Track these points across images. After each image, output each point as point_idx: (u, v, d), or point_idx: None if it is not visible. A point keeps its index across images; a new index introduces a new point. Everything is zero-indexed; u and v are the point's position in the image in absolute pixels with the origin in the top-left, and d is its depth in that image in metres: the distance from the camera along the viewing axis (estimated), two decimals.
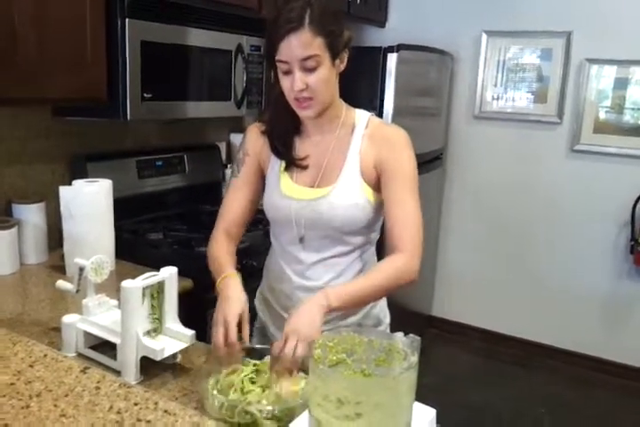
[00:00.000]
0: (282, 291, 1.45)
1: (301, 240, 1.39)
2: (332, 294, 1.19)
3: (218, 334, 1.18)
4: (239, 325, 1.21)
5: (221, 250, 1.40)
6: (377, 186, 1.34)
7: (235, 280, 1.30)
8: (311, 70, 1.23)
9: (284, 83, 1.27)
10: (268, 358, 1.17)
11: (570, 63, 3.01)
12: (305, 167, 1.37)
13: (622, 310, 3.12)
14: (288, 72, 1.24)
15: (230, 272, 1.32)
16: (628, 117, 2.95)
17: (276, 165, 1.41)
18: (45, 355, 1.08)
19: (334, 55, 1.26)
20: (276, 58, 1.24)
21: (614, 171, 3.00)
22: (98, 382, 0.99)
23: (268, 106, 1.45)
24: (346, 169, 1.34)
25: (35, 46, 1.59)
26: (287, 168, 1.39)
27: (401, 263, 1.28)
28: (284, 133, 1.39)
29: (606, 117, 2.99)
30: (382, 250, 1.43)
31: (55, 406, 0.92)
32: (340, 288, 1.24)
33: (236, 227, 1.45)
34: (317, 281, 1.40)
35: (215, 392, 1.07)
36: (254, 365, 1.16)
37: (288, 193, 1.37)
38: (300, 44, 1.20)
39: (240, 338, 1.20)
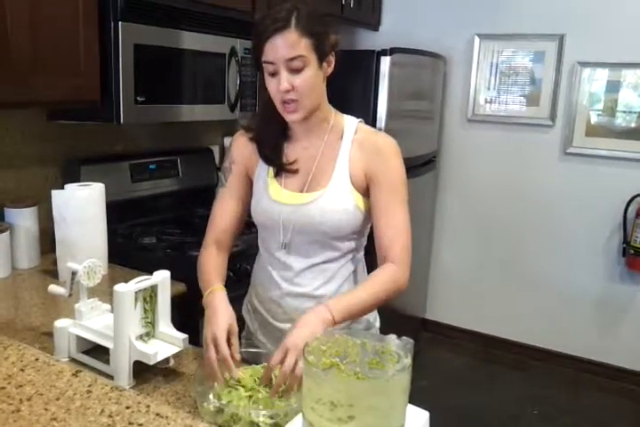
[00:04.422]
0: (270, 298, 1.43)
1: (287, 246, 1.37)
2: (334, 307, 1.18)
3: (208, 352, 1.15)
4: (228, 340, 1.19)
5: (210, 264, 1.39)
6: (365, 192, 1.34)
7: (220, 294, 1.28)
8: (297, 71, 1.23)
9: (271, 85, 1.26)
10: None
11: (562, 66, 3.03)
12: (294, 172, 1.37)
13: (615, 312, 3.12)
14: (274, 74, 1.24)
15: (216, 286, 1.30)
16: (620, 120, 2.96)
17: (263, 172, 1.40)
18: (37, 359, 1.07)
19: (321, 58, 1.26)
20: (262, 59, 1.24)
21: (606, 174, 3.02)
22: (89, 385, 0.99)
23: (257, 112, 1.44)
24: (336, 174, 1.33)
25: (28, 49, 1.58)
26: (276, 174, 1.38)
27: (394, 274, 1.29)
28: (273, 139, 1.38)
29: (598, 120, 3.01)
30: (369, 255, 1.43)
31: (46, 409, 0.91)
32: (340, 301, 1.22)
33: (226, 237, 1.44)
34: (306, 287, 1.39)
35: (210, 396, 1.06)
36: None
37: (277, 198, 1.36)
38: (285, 45, 1.20)
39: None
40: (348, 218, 1.33)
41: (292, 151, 1.39)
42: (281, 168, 1.37)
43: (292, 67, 1.22)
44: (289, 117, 1.30)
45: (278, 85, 1.24)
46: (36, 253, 1.91)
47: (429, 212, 3.43)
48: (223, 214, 1.44)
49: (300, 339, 1.09)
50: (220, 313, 1.22)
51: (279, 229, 1.37)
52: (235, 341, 1.20)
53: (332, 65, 1.31)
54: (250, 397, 1.09)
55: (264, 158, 1.39)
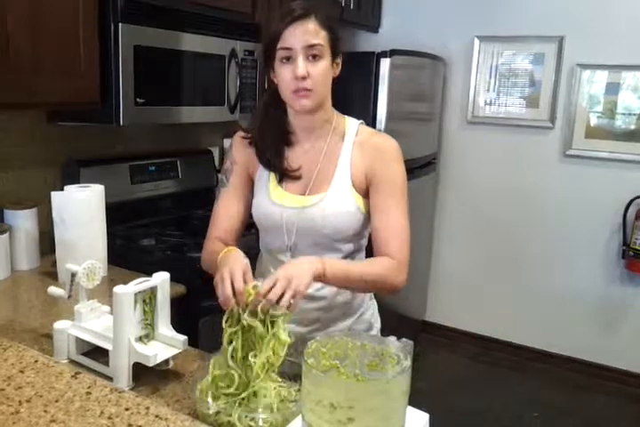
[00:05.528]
0: None
1: (292, 248, 1.37)
2: (328, 262, 1.18)
3: (225, 287, 1.09)
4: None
5: (218, 246, 1.34)
6: (366, 194, 1.34)
7: (237, 250, 1.24)
8: (314, 59, 1.23)
9: (284, 72, 1.25)
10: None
11: (562, 68, 3.03)
12: (298, 178, 1.36)
13: (614, 314, 3.12)
14: (289, 58, 1.24)
15: (231, 247, 1.27)
16: (619, 122, 2.96)
17: (264, 174, 1.39)
18: (36, 360, 1.07)
19: (333, 55, 1.27)
20: (279, 45, 1.23)
21: (606, 176, 3.02)
22: (89, 387, 0.98)
23: (256, 116, 1.42)
24: (337, 177, 1.33)
25: (28, 51, 1.58)
26: (278, 179, 1.37)
27: (392, 265, 1.29)
28: (273, 143, 1.37)
29: (598, 122, 3.01)
30: (370, 255, 1.42)
31: (45, 411, 0.91)
32: (334, 261, 1.24)
33: (229, 237, 1.41)
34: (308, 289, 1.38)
35: (210, 399, 1.06)
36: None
37: (279, 201, 1.36)
38: (306, 32, 1.22)
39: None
40: (350, 220, 1.33)
41: (293, 155, 1.38)
42: (283, 174, 1.36)
43: (311, 53, 1.23)
44: (300, 103, 1.27)
45: (294, 71, 1.23)
46: (36, 255, 1.91)
47: (429, 214, 3.43)
48: (225, 215, 1.42)
49: (290, 271, 1.10)
50: (236, 258, 1.18)
51: (282, 231, 1.36)
52: (249, 276, 1.14)
53: (339, 68, 1.32)
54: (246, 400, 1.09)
55: (265, 164, 1.38)
